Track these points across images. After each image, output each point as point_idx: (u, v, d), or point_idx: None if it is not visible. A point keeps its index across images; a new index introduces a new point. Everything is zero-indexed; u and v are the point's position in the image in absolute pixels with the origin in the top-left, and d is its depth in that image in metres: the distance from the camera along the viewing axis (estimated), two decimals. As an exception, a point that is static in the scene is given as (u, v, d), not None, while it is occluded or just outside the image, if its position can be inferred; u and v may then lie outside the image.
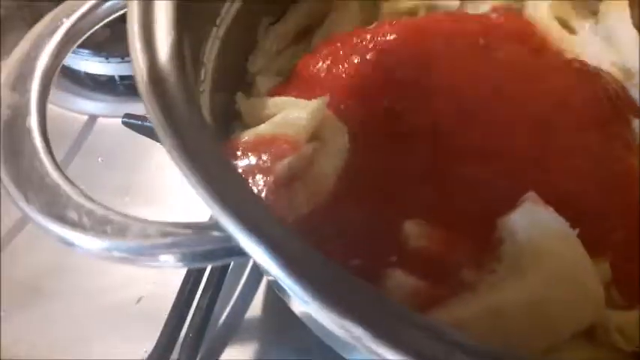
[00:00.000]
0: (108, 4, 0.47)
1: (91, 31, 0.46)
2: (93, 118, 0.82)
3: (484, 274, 0.43)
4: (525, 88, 0.53)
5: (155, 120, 0.35)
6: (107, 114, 0.82)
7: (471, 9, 0.66)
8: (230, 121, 0.58)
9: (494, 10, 0.66)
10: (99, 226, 0.35)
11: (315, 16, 0.65)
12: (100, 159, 0.79)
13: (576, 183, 0.48)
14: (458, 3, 0.66)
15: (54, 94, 0.82)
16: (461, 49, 0.56)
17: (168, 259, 0.34)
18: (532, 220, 0.44)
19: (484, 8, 0.66)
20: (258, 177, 0.49)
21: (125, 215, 0.35)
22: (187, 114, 0.37)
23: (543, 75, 0.54)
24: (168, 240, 0.33)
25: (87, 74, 0.82)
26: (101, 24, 0.47)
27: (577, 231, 0.43)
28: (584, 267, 0.42)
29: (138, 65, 0.38)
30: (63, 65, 0.51)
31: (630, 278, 0.46)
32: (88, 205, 0.37)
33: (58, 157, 0.42)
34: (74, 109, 0.82)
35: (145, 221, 0.35)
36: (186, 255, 0.34)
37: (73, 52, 0.60)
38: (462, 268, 0.44)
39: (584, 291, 0.41)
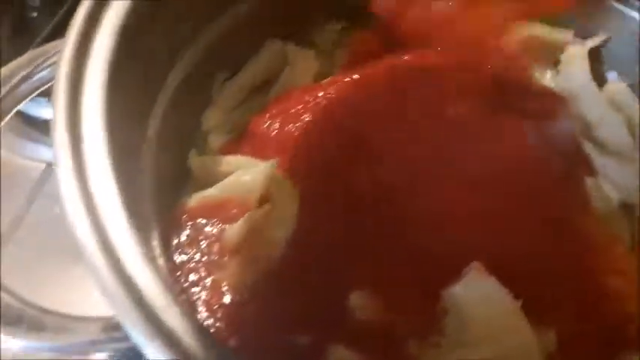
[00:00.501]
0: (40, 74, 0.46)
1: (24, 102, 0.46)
2: (49, 166, 0.81)
3: (428, 347, 0.43)
4: (475, 149, 0.53)
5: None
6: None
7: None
8: (182, 179, 0.57)
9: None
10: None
11: (271, 69, 0.65)
12: (57, 209, 0.77)
13: (526, 248, 0.49)
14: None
15: (10, 140, 0.82)
16: (411, 107, 0.56)
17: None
18: (475, 292, 0.44)
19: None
20: (205, 245, 0.49)
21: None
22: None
23: (495, 135, 0.54)
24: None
25: (46, 121, 0.81)
26: (33, 94, 0.47)
27: (520, 302, 0.43)
28: (526, 340, 0.42)
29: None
30: (20, 111, 0.50)
31: (580, 345, 0.46)
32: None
33: (14, 207, 0.41)
34: (32, 156, 0.80)
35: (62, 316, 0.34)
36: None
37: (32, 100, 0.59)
38: (407, 341, 0.44)
39: (522, 365, 0.41)
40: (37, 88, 0.48)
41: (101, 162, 0.40)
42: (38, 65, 0.46)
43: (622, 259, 0.49)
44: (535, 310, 0.44)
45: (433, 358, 0.42)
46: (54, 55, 0.46)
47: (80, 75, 0.43)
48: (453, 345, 0.43)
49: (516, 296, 0.44)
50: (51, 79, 0.46)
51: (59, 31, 0.78)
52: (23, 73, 0.46)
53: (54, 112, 0.41)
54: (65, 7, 0.81)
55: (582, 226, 0.51)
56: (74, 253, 0.38)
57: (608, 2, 0.66)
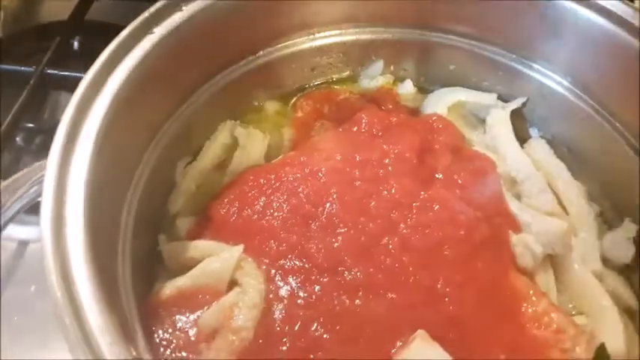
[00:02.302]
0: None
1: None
2: (23, 244, 0.83)
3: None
4: (412, 220, 0.60)
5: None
6: (38, 238, 0.83)
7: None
8: (153, 264, 0.62)
9: (380, 89, 0.79)
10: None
11: (226, 150, 0.71)
12: (32, 287, 0.80)
13: (461, 310, 0.56)
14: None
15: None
16: (356, 185, 0.63)
17: None
18: (421, 356, 0.50)
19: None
20: (182, 332, 0.54)
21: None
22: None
23: (429, 206, 0.61)
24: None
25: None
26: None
27: (460, 363, 0.50)
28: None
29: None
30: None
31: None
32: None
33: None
34: (2, 235, 0.83)
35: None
36: None
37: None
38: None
39: None
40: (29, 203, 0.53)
41: (81, 258, 0.46)
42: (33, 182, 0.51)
43: (547, 312, 0.57)
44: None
45: None
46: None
47: (62, 192, 0.48)
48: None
49: (456, 357, 0.51)
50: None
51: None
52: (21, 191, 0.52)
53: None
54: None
55: (509, 283, 0.59)
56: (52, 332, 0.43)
57: (523, 71, 0.75)
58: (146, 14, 0.56)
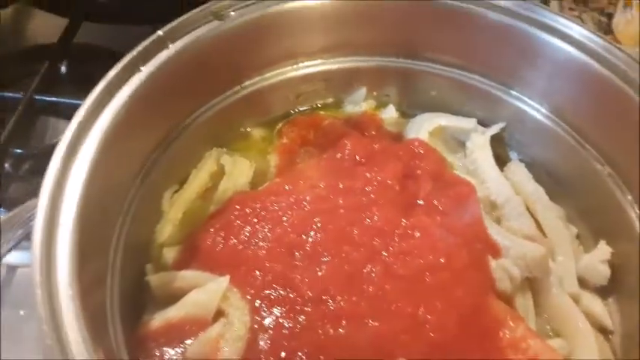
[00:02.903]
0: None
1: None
2: (12, 268, 0.84)
3: None
4: (395, 248, 0.62)
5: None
6: (27, 263, 0.84)
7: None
8: (141, 294, 0.64)
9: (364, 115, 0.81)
10: None
11: (212, 178, 0.72)
12: (21, 312, 0.81)
13: (441, 336, 0.57)
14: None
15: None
16: (340, 213, 0.65)
17: None
18: (403, 386, 0.52)
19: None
20: (170, 363, 0.56)
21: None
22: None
23: (410, 233, 0.63)
24: None
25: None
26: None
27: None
28: None
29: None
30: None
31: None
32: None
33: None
34: (-7, 261, 0.84)
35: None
36: None
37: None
38: None
39: None
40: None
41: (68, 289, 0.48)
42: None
43: (524, 338, 0.59)
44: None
45: None
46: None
47: (53, 221, 0.50)
48: None
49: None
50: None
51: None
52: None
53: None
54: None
55: (488, 308, 0.60)
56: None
57: (502, 97, 0.77)
58: (134, 53, 0.58)
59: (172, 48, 0.60)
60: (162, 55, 0.59)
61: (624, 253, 0.68)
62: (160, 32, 0.60)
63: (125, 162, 0.61)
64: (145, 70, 0.58)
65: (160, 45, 0.60)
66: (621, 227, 0.68)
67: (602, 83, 0.66)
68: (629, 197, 0.67)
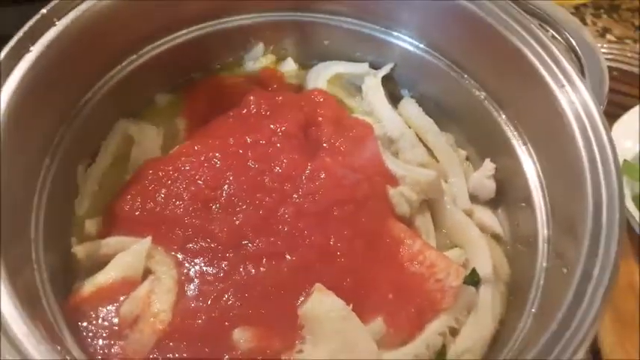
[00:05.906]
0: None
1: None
2: None
3: (294, 353, 0.58)
4: (303, 189, 0.68)
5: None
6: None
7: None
8: (71, 266, 0.66)
9: (265, 70, 0.84)
10: None
11: (123, 148, 0.74)
12: None
13: (351, 262, 0.64)
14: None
15: None
16: (249, 165, 0.69)
17: None
18: (320, 306, 0.59)
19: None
20: (106, 322, 0.59)
21: None
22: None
23: (316, 175, 0.69)
24: None
25: None
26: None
27: (351, 306, 0.60)
28: (358, 333, 0.59)
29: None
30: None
31: (402, 321, 0.63)
32: None
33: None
34: None
35: None
36: None
37: None
38: (281, 354, 0.59)
39: (359, 350, 0.58)
40: None
41: None
42: None
43: (421, 251, 0.66)
44: (364, 307, 0.61)
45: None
46: None
47: None
48: (310, 349, 0.58)
49: (348, 302, 0.60)
50: None
51: None
52: None
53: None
54: None
55: (389, 230, 0.68)
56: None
57: (387, 39, 0.83)
58: (20, 34, 0.58)
59: (59, 25, 0.61)
60: (51, 33, 0.60)
61: (506, 167, 0.77)
62: (43, 10, 0.60)
63: (30, 143, 0.62)
64: (35, 49, 0.58)
65: (47, 23, 0.60)
66: (500, 144, 0.76)
67: (466, 14, 0.73)
68: (504, 116, 0.76)
